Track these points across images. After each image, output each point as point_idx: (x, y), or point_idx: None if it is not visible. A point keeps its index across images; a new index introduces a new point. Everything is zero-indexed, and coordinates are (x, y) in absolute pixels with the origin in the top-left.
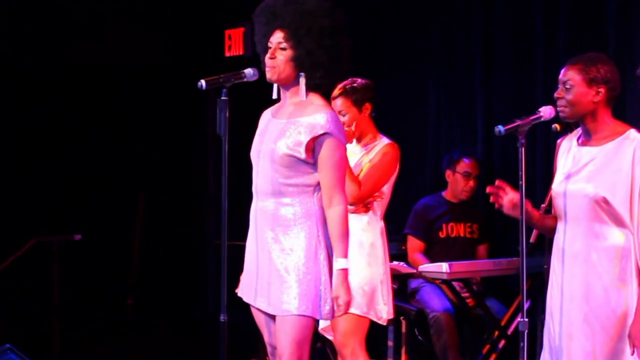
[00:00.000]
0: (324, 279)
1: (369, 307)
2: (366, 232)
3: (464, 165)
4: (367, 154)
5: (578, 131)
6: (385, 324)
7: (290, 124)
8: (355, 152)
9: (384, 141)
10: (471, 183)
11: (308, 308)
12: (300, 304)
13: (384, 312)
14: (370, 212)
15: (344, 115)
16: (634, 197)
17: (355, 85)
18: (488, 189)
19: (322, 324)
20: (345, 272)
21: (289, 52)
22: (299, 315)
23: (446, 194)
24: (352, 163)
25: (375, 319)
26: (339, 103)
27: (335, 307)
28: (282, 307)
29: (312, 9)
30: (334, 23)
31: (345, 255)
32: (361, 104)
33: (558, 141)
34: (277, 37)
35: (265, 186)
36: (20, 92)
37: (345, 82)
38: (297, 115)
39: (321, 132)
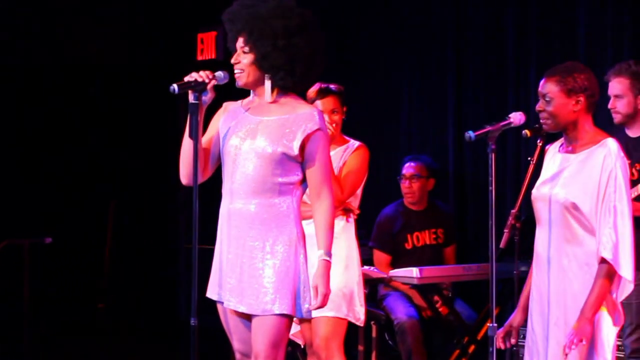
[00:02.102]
0: (303, 277)
1: (348, 309)
2: (342, 235)
3: (404, 168)
4: (340, 157)
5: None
6: (362, 325)
7: (278, 122)
8: None
9: (354, 144)
10: (407, 184)
11: (288, 307)
12: (280, 304)
13: (361, 313)
14: (345, 216)
15: (335, 114)
16: (598, 205)
17: (339, 88)
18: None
19: (292, 330)
20: (328, 264)
21: (249, 56)
22: (279, 315)
23: (405, 201)
24: None
25: (353, 321)
26: (329, 102)
27: (312, 299)
28: (262, 307)
29: (264, 12)
30: (287, 23)
31: (329, 249)
32: (343, 106)
33: (546, 147)
34: (240, 42)
35: (245, 185)
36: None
37: (323, 84)
38: (282, 113)
39: (315, 127)
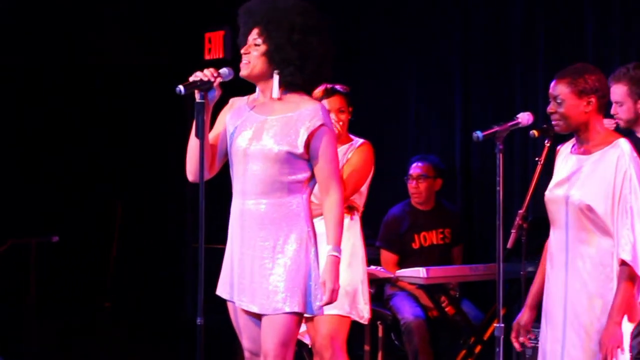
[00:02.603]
0: (314, 274)
1: (351, 307)
2: (346, 232)
3: (411, 169)
4: (344, 155)
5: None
6: (366, 323)
7: (282, 120)
8: None
9: (358, 141)
10: (414, 184)
11: (299, 305)
12: (291, 302)
13: (365, 311)
14: (349, 214)
15: (342, 113)
16: (614, 206)
17: (345, 88)
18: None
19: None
20: (336, 259)
21: (262, 48)
22: (289, 313)
23: (412, 201)
24: None
25: (357, 319)
26: (335, 101)
27: (320, 295)
28: (273, 306)
29: (284, 6)
30: (305, 21)
31: (339, 244)
32: (349, 106)
33: (557, 148)
34: (253, 34)
35: (254, 186)
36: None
37: (329, 85)
38: (287, 111)
39: (319, 123)
